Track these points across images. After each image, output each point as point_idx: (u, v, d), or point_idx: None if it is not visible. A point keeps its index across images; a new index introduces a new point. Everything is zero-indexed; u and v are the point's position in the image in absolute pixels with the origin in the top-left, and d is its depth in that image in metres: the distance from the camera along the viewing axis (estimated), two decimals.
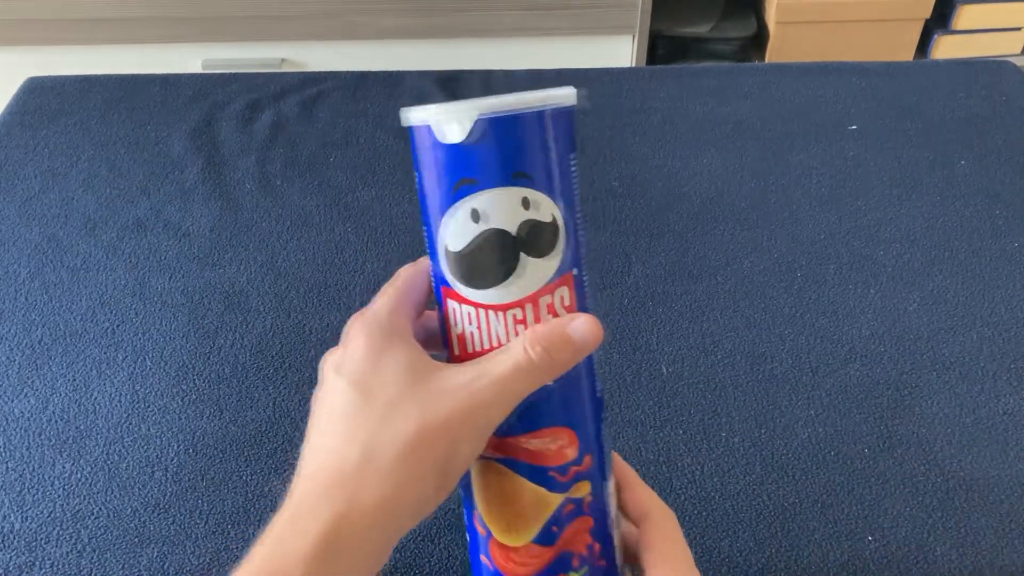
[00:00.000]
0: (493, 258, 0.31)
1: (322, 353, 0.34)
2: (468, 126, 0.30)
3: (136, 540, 0.51)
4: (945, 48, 1.60)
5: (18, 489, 0.53)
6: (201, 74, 0.92)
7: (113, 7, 1.37)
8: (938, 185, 0.77)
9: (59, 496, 0.53)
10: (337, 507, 0.30)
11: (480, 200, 0.31)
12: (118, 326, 0.64)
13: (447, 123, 0.31)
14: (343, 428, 0.31)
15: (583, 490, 0.35)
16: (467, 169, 0.31)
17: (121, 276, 0.68)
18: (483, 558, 0.36)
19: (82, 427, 0.57)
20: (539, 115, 0.31)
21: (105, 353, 0.62)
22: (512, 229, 0.31)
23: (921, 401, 0.58)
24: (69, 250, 0.70)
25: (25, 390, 0.59)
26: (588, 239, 0.34)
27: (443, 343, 0.35)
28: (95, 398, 0.59)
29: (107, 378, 0.60)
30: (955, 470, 0.54)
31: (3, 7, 1.36)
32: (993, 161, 0.79)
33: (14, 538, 0.51)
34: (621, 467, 0.38)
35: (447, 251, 0.32)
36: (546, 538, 0.34)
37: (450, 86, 0.89)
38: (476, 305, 0.32)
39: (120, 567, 0.50)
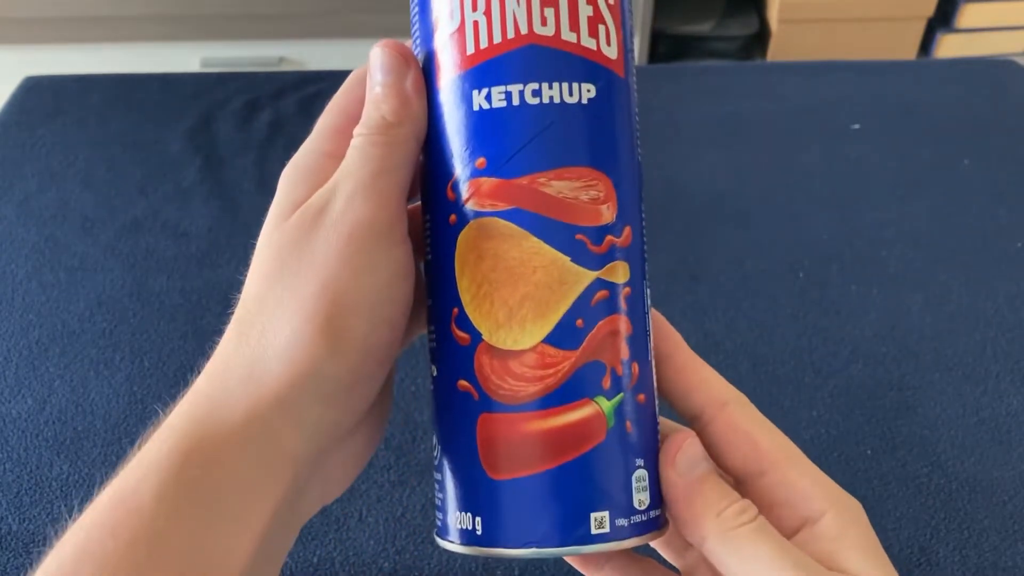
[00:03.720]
0: None
1: None
2: None
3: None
4: (948, 47, 1.59)
5: (15, 491, 0.53)
6: (199, 73, 0.92)
7: (111, 6, 1.37)
8: (941, 185, 0.76)
9: (57, 497, 0.53)
10: (199, 412, 0.25)
11: None
12: (116, 326, 0.63)
13: None
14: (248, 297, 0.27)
15: (621, 274, 0.25)
16: None
17: (119, 276, 0.68)
18: (461, 384, 0.25)
19: (80, 428, 0.56)
20: None
21: (103, 354, 0.61)
22: None
23: (924, 402, 0.58)
24: (67, 250, 0.70)
25: (22, 391, 0.59)
26: None
27: (425, 54, 0.26)
28: (93, 399, 0.58)
29: (105, 379, 0.60)
30: (958, 471, 0.54)
31: (1, 6, 1.36)
32: (997, 161, 0.79)
33: (12, 540, 0.51)
34: (667, 332, 0.29)
35: None
36: (567, 336, 0.24)
37: None
38: None
39: None
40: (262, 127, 0.83)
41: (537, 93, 0.25)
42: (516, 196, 0.24)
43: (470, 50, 0.25)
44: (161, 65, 1.31)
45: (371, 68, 0.27)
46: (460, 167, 0.25)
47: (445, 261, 0.26)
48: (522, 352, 0.24)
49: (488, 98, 0.25)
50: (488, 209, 0.25)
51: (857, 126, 0.83)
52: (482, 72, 0.25)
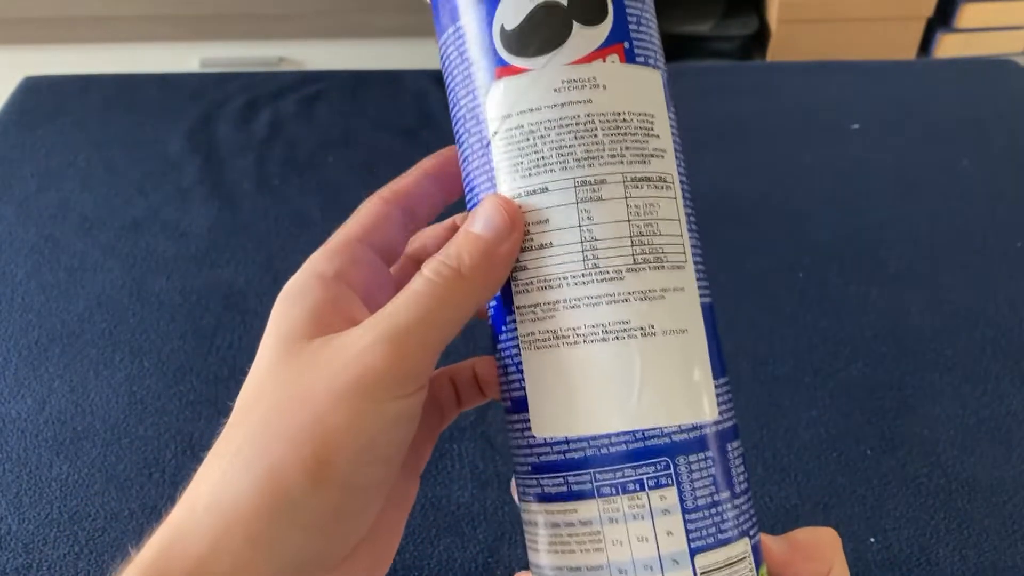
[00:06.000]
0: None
1: None
2: None
3: (134, 542, 0.51)
4: (948, 47, 1.59)
5: (15, 491, 0.53)
6: (199, 73, 0.92)
7: (111, 6, 1.37)
8: (941, 184, 0.76)
9: (56, 498, 0.53)
10: (163, 543, 0.24)
11: None
12: (115, 327, 0.63)
13: None
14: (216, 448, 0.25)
15: None
16: None
17: (118, 276, 0.68)
18: None
19: (79, 428, 0.56)
20: None
21: (102, 354, 0.61)
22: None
23: (924, 402, 0.58)
24: (66, 250, 0.70)
25: (22, 391, 0.59)
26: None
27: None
28: (92, 399, 0.58)
29: (104, 379, 0.60)
30: (958, 471, 0.54)
31: (1, 6, 1.35)
32: (996, 160, 0.79)
33: (11, 540, 0.51)
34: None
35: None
36: None
37: None
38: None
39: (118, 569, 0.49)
40: (262, 127, 0.83)
41: None
42: None
43: None
44: (160, 65, 1.31)
45: (477, 213, 0.26)
46: None
47: None
48: None
49: None
50: None
51: (857, 126, 0.83)
52: None
